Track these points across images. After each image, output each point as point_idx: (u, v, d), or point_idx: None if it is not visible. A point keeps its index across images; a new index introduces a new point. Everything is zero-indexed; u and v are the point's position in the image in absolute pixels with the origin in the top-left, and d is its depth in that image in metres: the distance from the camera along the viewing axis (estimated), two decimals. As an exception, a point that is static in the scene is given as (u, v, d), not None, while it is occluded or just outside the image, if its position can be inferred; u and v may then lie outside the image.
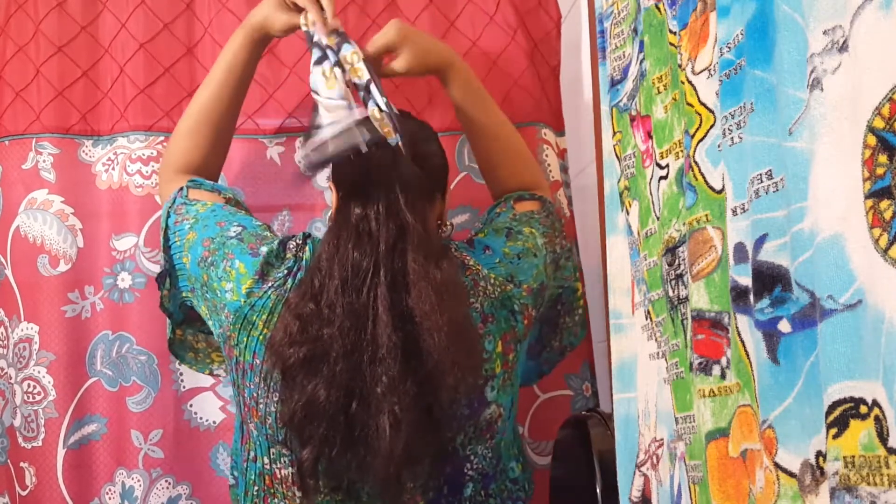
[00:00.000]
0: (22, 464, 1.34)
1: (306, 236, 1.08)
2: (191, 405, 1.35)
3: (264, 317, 1.01)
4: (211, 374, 1.24)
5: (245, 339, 1.02)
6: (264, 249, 1.05)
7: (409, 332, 0.95)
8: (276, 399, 0.99)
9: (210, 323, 1.09)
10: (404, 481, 0.97)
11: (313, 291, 0.98)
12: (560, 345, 1.25)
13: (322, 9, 1.07)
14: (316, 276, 0.99)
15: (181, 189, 1.13)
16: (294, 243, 1.06)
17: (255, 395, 1.01)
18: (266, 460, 1.02)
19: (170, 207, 1.13)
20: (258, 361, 1.01)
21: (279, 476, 1.02)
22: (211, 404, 1.35)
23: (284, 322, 0.97)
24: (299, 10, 1.09)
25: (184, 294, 1.12)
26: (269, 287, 1.03)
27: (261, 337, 1.01)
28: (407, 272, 0.97)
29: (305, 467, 0.95)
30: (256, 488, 1.03)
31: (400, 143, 1.00)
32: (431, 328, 0.94)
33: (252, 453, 1.03)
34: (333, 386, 0.93)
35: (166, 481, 1.34)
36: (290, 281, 1.03)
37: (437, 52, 1.17)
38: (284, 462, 1.01)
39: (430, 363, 0.94)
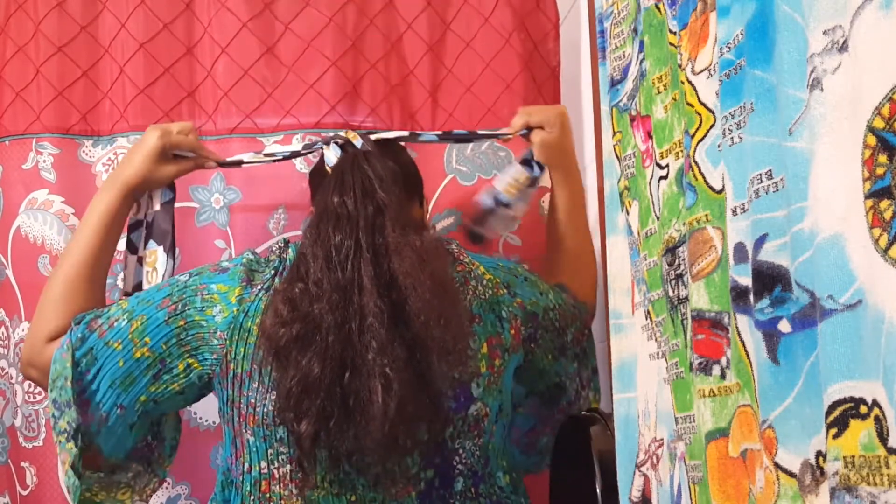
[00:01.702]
0: (23, 463, 1.35)
1: (286, 241, 1.10)
2: (191, 405, 1.35)
3: (257, 321, 1.01)
4: None
5: (242, 349, 1.02)
6: (228, 264, 1.07)
7: (395, 297, 0.97)
8: (273, 397, 1.00)
9: (195, 367, 1.04)
10: (402, 443, 0.97)
11: (300, 275, 1.00)
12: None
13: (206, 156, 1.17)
14: (301, 262, 1.01)
15: (71, 328, 1.04)
16: (276, 246, 1.09)
17: (252, 401, 1.01)
18: (263, 465, 1.02)
19: (71, 344, 1.02)
20: (256, 367, 1.01)
21: (277, 476, 1.02)
22: (211, 404, 1.34)
23: (274, 306, 0.99)
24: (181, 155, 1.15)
25: (143, 398, 1.04)
26: (259, 289, 1.04)
27: (256, 343, 1.01)
28: (388, 244, 1.00)
29: (304, 442, 0.96)
30: (252, 498, 1.02)
31: (365, 144, 1.11)
32: (414, 285, 0.97)
33: (247, 464, 1.03)
34: (327, 358, 0.95)
35: (165, 481, 1.34)
36: (277, 280, 1.04)
37: (573, 159, 1.24)
38: (283, 460, 1.01)
39: (417, 324, 0.96)
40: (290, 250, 1.07)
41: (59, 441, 1.03)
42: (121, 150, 1.38)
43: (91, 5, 1.40)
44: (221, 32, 1.40)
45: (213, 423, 1.36)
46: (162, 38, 1.39)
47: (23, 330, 1.35)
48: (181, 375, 1.05)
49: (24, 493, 1.34)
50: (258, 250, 1.35)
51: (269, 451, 1.02)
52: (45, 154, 1.37)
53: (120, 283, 1.34)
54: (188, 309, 1.04)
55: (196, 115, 1.41)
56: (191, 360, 1.05)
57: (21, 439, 1.34)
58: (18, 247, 1.36)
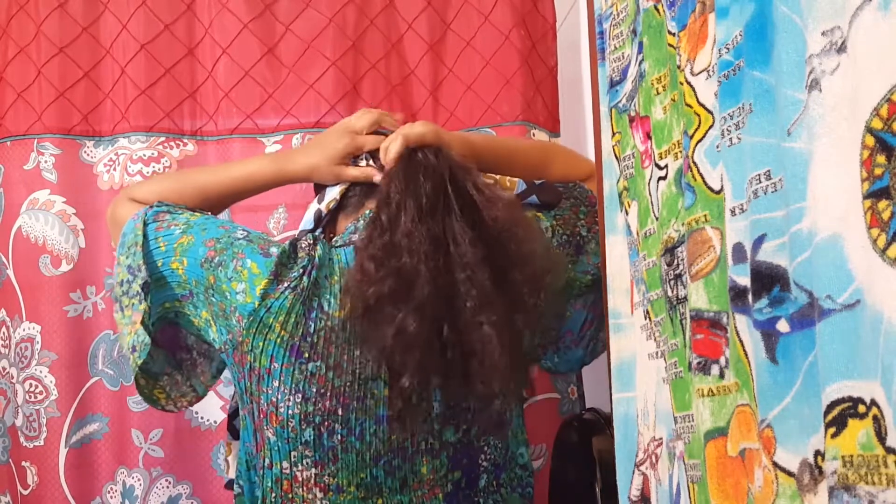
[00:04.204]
0: (24, 463, 1.35)
1: (315, 238, 1.07)
2: (192, 405, 1.35)
3: (281, 318, 1.00)
4: (162, 409, 1.13)
5: (261, 343, 1.00)
6: (275, 250, 1.04)
7: (491, 246, 0.97)
8: (298, 400, 0.99)
9: (212, 330, 1.05)
10: (504, 394, 0.98)
11: (383, 227, 0.98)
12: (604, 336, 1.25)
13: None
14: (383, 211, 0.99)
15: (152, 206, 1.09)
16: (305, 243, 1.05)
17: (273, 399, 1.00)
18: (285, 465, 1.01)
19: (143, 219, 1.07)
20: (276, 365, 0.99)
21: (300, 479, 1.01)
22: (212, 404, 1.36)
23: (359, 264, 0.97)
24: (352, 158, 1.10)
25: (167, 304, 1.07)
26: (286, 287, 1.01)
27: (278, 340, 0.99)
28: (472, 197, 0.99)
29: (406, 394, 0.95)
30: (274, 495, 1.02)
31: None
32: (517, 232, 0.97)
33: (267, 460, 1.02)
34: (424, 312, 0.94)
35: (166, 480, 1.35)
36: (305, 279, 1.01)
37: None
38: (307, 463, 1.00)
39: (521, 270, 0.96)
40: (318, 248, 1.04)
41: (132, 304, 1.05)
42: (122, 151, 1.38)
43: (92, 6, 1.40)
44: (222, 33, 1.40)
45: (214, 422, 1.36)
46: (163, 38, 1.40)
47: (24, 330, 1.35)
48: (202, 320, 1.06)
49: (25, 492, 1.35)
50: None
51: (293, 453, 1.01)
52: (46, 154, 1.37)
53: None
54: (220, 270, 1.03)
55: (197, 115, 1.41)
56: (212, 320, 1.04)
57: (22, 439, 1.35)
58: (20, 247, 1.36)
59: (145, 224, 1.07)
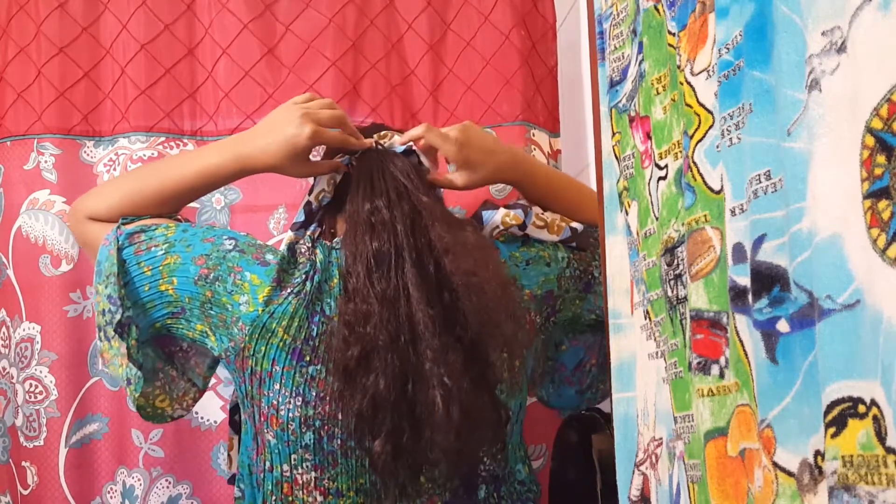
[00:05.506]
0: (24, 463, 1.35)
1: (313, 239, 1.06)
2: (192, 405, 1.35)
3: (284, 323, 1.00)
4: (172, 419, 1.14)
5: (263, 347, 1.01)
6: (272, 257, 1.04)
7: (448, 301, 0.97)
8: (299, 403, 0.99)
9: (210, 340, 1.05)
10: (471, 449, 0.99)
11: (349, 294, 0.99)
12: (605, 388, 1.24)
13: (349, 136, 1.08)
14: (349, 279, 1.00)
15: (119, 226, 1.05)
16: (304, 247, 1.05)
17: (274, 402, 1.00)
18: (285, 468, 1.01)
19: (117, 245, 1.03)
20: (278, 368, 1.00)
21: (300, 482, 1.01)
22: (212, 404, 1.36)
23: (338, 328, 0.99)
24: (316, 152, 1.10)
25: (158, 325, 1.06)
26: (289, 293, 1.01)
27: (280, 343, 1.00)
28: (433, 245, 0.99)
29: (379, 460, 0.96)
30: (274, 498, 1.02)
31: (378, 144, 1.09)
32: (479, 284, 0.97)
33: (268, 463, 1.02)
34: (388, 375, 0.95)
35: (167, 480, 1.35)
36: (308, 284, 1.02)
37: (502, 171, 1.15)
38: (307, 467, 1.01)
39: (475, 324, 0.96)
40: (318, 252, 1.04)
41: (119, 335, 1.03)
42: (122, 151, 1.38)
43: (92, 6, 1.40)
44: (222, 33, 1.40)
45: (215, 422, 1.36)
46: (163, 38, 1.40)
47: (24, 330, 1.35)
48: (196, 332, 1.05)
49: (25, 492, 1.35)
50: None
51: (293, 455, 1.01)
52: (46, 155, 1.37)
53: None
54: (217, 285, 1.02)
55: (197, 115, 1.41)
56: (209, 331, 1.04)
57: (22, 439, 1.35)
58: (20, 247, 1.36)
59: (120, 250, 1.04)
